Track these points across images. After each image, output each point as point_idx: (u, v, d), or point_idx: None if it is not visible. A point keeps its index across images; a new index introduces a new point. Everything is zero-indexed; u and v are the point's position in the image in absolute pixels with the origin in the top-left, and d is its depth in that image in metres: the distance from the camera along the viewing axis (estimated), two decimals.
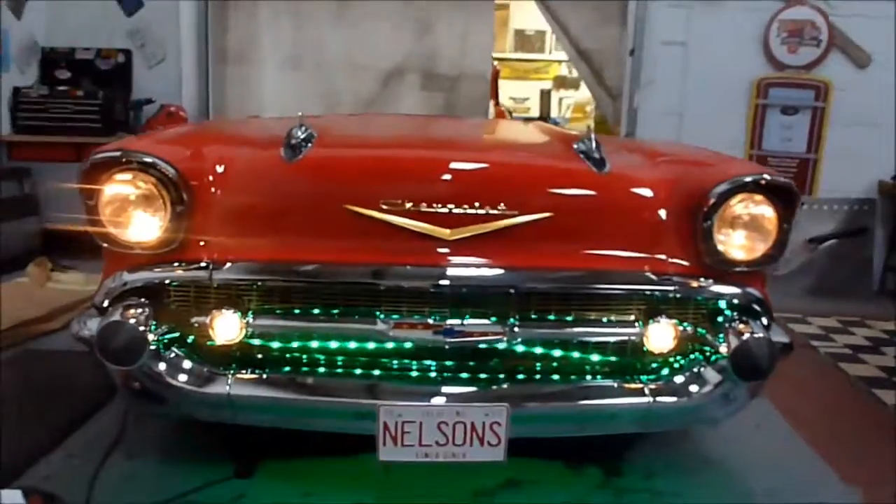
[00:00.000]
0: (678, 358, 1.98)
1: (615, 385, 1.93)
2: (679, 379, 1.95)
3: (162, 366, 1.84)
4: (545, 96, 8.97)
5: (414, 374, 1.92)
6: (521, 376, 1.93)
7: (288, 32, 5.38)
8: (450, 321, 1.85)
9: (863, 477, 2.25)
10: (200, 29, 5.23)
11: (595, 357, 1.96)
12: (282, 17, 5.37)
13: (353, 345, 1.90)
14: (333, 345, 1.90)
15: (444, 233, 1.84)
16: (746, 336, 1.83)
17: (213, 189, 1.89)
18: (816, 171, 4.97)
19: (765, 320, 1.94)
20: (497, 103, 6.68)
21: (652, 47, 4.96)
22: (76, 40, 5.08)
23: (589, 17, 5.25)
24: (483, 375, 1.91)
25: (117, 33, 5.10)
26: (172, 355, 1.86)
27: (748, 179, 1.89)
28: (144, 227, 1.84)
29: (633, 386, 1.93)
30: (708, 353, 1.95)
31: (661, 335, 1.92)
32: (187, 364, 1.86)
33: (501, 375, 1.91)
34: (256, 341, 1.89)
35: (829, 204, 4.96)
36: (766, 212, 1.91)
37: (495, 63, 6.50)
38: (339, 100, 5.35)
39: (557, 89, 9.10)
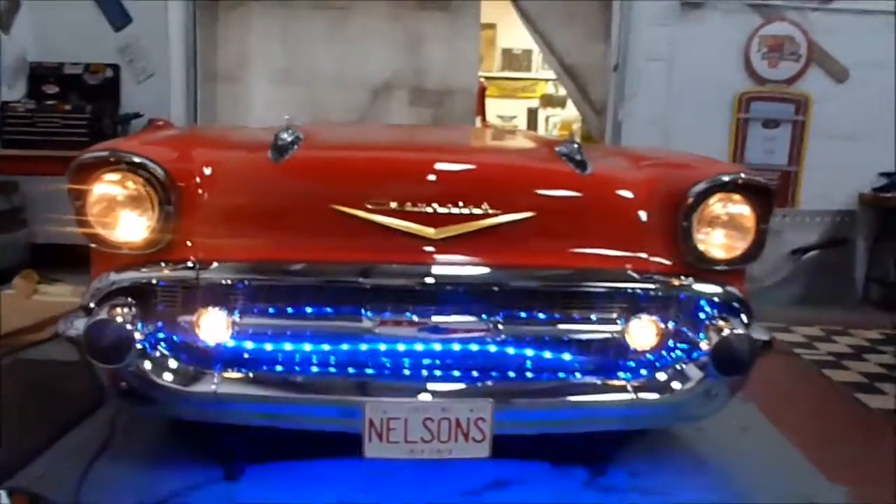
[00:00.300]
0: (660, 355, 2.00)
1: (598, 382, 1.95)
2: (661, 376, 1.97)
3: (148, 365, 1.84)
4: (532, 114, 9.09)
5: (399, 371, 1.93)
6: (505, 373, 1.95)
7: (277, 49, 5.42)
8: (434, 318, 1.87)
9: (847, 476, 2.28)
10: (189, 44, 5.25)
11: (578, 354, 1.99)
12: (271, 34, 5.41)
13: (339, 343, 1.92)
14: (319, 343, 1.92)
15: (429, 232, 1.87)
16: (727, 332, 1.86)
17: (200, 190, 1.92)
18: (798, 182, 5.05)
19: (745, 318, 1.98)
20: (484, 119, 6.74)
21: (636, 63, 5.04)
22: (64, 55, 5.10)
23: (574, 34, 5.34)
24: (468, 373, 1.93)
25: (106, 49, 5.12)
26: (159, 354, 1.87)
27: (726, 179, 1.93)
28: (132, 227, 1.86)
29: (615, 383, 1.95)
30: (689, 351, 1.98)
31: (642, 333, 1.95)
32: (174, 363, 1.87)
33: (486, 373, 1.93)
34: (243, 340, 1.90)
35: (812, 215, 5.02)
36: (743, 211, 1.95)
37: (482, 79, 6.57)
38: (328, 116, 5.39)
39: (544, 107, 9.19)
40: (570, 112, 7.42)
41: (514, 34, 8.40)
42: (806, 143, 5.00)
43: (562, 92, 8.16)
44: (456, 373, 1.93)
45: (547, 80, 9.00)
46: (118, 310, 1.78)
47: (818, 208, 5.04)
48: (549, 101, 9.12)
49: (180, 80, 5.24)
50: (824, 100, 4.96)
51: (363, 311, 1.88)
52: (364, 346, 1.92)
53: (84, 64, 5.09)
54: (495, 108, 8.68)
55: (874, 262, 5.03)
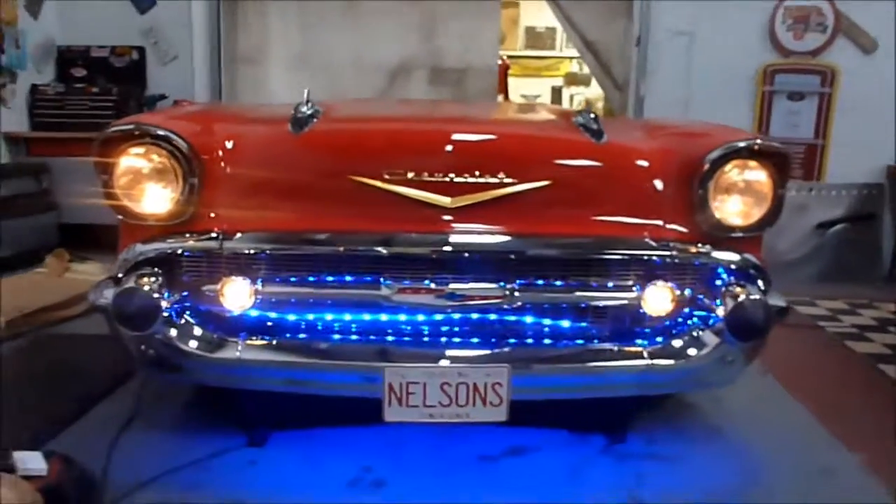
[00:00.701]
0: (677, 322, 2.02)
1: (614, 348, 1.98)
2: (677, 343, 1.99)
3: (174, 332, 1.91)
4: (556, 93, 9.04)
5: (418, 338, 1.97)
6: (522, 340, 1.98)
7: (296, 31, 5.45)
8: (452, 286, 1.90)
9: (865, 444, 2.28)
10: (212, 27, 5.31)
11: (594, 321, 2.01)
12: (290, 17, 5.45)
13: (358, 310, 1.96)
14: (340, 310, 1.96)
15: (445, 201, 1.89)
16: (742, 298, 1.87)
17: (222, 162, 1.96)
18: (824, 156, 4.97)
19: (761, 284, 1.98)
20: (507, 98, 6.73)
21: (658, 37, 4.99)
22: (91, 39, 5.18)
23: (596, 10, 5.30)
24: (485, 339, 1.96)
25: (131, 31, 5.20)
26: (184, 322, 1.93)
27: (741, 145, 1.93)
28: (157, 199, 1.91)
29: (631, 349, 1.97)
30: (706, 318, 1.99)
31: (659, 300, 1.96)
32: (199, 331, 1.93)
33: (503, 339, 1.97)
34: (265, 308, 1.95)
35: (837, 189, 4.95)
36: (760, 177, 1.95)
37: (504, 58, 6.55)
38: (347, 96, 5.42)
39: (568, 86, 9.13)
40: (595, 90, 7.38)
41: (537, 12, 8.36)
42: (832, 116, 4.92)
43: (586, 70, 8.10)
44: (474, 339, 1.97)
45: (571, 58, 8.94)
46: (145, 279, 1.84)
47: (844, 182, 4.96)
48: (573, 79, 9.06)
49: (203, 62, 5.31)
50: (852, 71, 4.87)
51: (382, 279, 1.91)
52: (383, 314, 1.96)
53: (110, 47, 5.18)
54: (519, 86, 8.65)
55: None
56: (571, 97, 8.91)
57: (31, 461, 1.76)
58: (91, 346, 3.02)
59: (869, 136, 4.88)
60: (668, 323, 2.02)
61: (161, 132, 1.87)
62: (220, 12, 5.33)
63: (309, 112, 2.11)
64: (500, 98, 6.23)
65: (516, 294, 1.92)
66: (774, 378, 2.84)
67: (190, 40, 5.21)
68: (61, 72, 5.19)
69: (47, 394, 2.53)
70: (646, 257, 1.95)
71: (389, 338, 1.97)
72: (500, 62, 5.85)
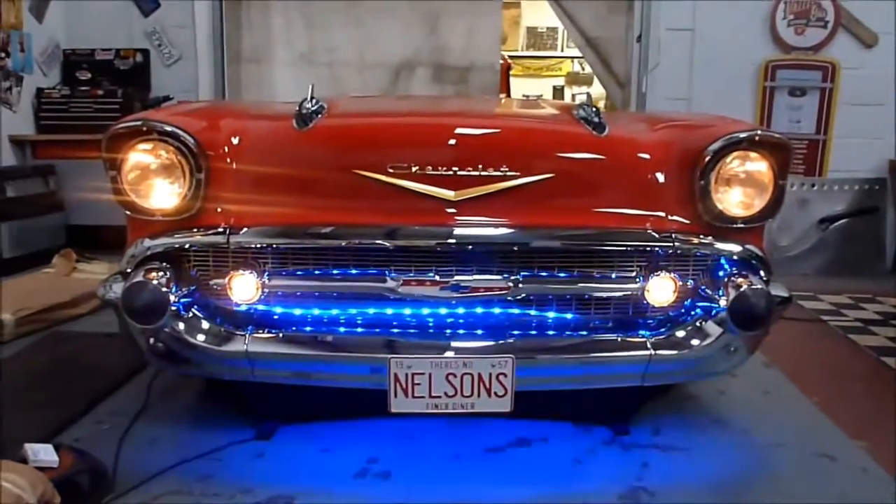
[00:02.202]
0: (679, 313, 2.04)
1: (618, 339, 1.99)
2: (680, 333, 2.01)
3: (182, 326, 1.93)
4: (558, 93, 9.06)
5: (424, 330, 1.99)
6: (526, 331, 2.00)
7: (300, 30, 5.49)
8: (456, 278, 1.92)
9: (867, 433, 2.30)
10: (215, 28, 5.35)
11: (598, 312, 2.03)
12: (294, 16, 5.48)
13: (364, 303, 1.99)
14: (345, 303, 1.99)
15: (449, 195, 1.91)
16: (744, 287, 1.88)
17: (229, 158, 1.99)
18: (826, 151, 4.98)
19: (763, 274, 2.00)
20: (508, 97, 6.74)
21: (659, 33, 5.01)
22: (96, 42, 5.22)
23: (597, 6, 5.33)
24: (490, 331, 1.98)
25: (135, 34, 5.24)
26: (192, 316, 1.95)
27: (742, 136, 1.94)
28: (164, 194, 1.94)
29: (634, 340, 1.99)
30: (708, 308, 2.00)
31: (662, 290, 1.98)
32: (206, 324, 1.96)
33: (507, 330, 1.98)
34: (272, 302, 1.98)
35: (840, 184, 4.96)
36: (761, 167, 1.96)
37: (506, 56, 6.57)
38: (351, 94, 5.44)
39: (570, 86, 9.16)
40: (597, 89, 7.40)
41: (538, 13, 8.39)
42: (834, 111, 4.93)
43: (587, 70, 8.12)
44: (478, 331, 1.98)
45: (573, 58, 8.96)
46: (153, 273, 1.86)
47: (847, 177, 4.98)
48: (574, 79, 9.10)
49: (207, 62, 5.34)
50: (853, 66, 4.89)
51: (387, 271, 1.93)
52: (389, 306, 1.98)
53: (115, 49, 5.21)
54: (520, 86, 8.67)
55: None
56: (573, 96, 8.93)
57: (43, 453, 1.79)
58: (99, 343, 3.05)
59: (870, 130, 4.91)
60: (671, 313, 2.04)
61: (168, 128, 1.90)
62: (223, 13, 5.36)
63: (314, 108, 2.14)
64: (503, 97, 6.25)
65: (520, 286, 1.94)
66: (779, 370, 2.85)
67: (193, 42, 5.25)
68: (66, 75, 5.24)
69: (57, 389, 2.56)
70: (648, 248, 1.97)
71: (395, 330, 1.99)
72: (501, 61, 5.88)
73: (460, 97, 4.45)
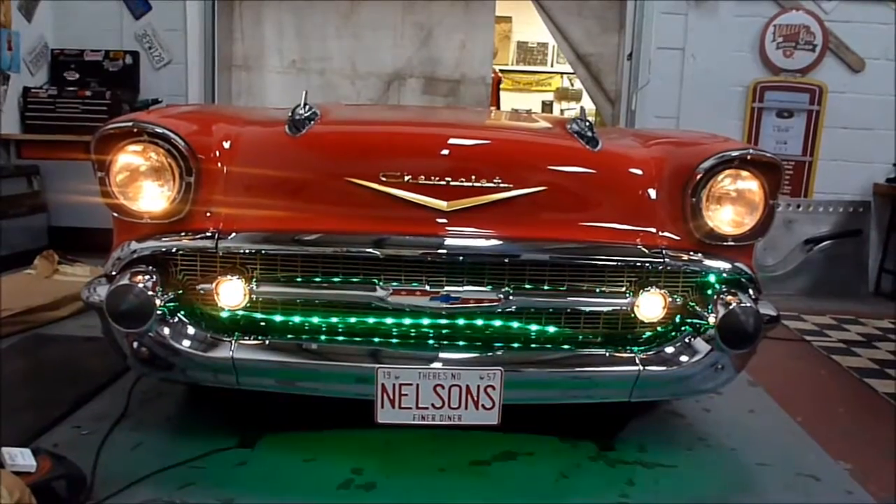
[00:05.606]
0: (668, 330, 2.04)
1: (606, 354, 1.98)
2: (669, 349, 2.00)
3: (167, 331, 1.90)
4: (547, 108, 9.11)
5: (412, 340, 1.97)
6: (515, 343, 1.99)
7: (292, 39, 5.49)
8: (446, 289, 1.91)
9: (851, 455, 2.31)
10: (206, 32, 5.33)
11: (587, 327, 2.02)
12: (286, 24, 5.48)
13: (353, 312, 1.97)
14: (334, 311, 1.97)
15: (441, 205, 1.90)
16: (733, 305, 1.88)
17: (220, 162, 1.97)
18: (812, 173, 5.04)
19: (752, 292, 2.00)
20: (499, 110, 6.76)
21: (650, 52, 5.05)
22: (85, 42, 5.18)
23: (588, 23, 5.37)
24: (478, 343, 1.97)
25: (125, 36, 5.21)
26: (178, 321, 1.92)
27: (734, 154, 1.95)
28: (153, 197, 1.91)
29: (623, 355, 1.98)
30: (697, 325, 2.00)
31: (651, 306, 1.98)
32: (192, 330, 1.92)
33: (496, 343, 1.97)
34: (259, 309, 1.95)
35: (825, 206, 5.02)
36: (752, 186, 1.97)
37: (497, 70, 6.60)
38: (341, 103, 5.44)
39: (559, 101, 9.22)
40: (586, 105, 7.45)
41: (529, 27, 8.44)
42: (820, 134, 4.99)
43: (577, 85, 8.17)
44: (467, 343, 1.97)
45: (562, 73, 9.03)
46: (139, 277, 1.83)
47: (832, 199, 5.03)
48: (564, 94, 9.16)
49: (197, 67, 5.33)
50: (839, 90, 4.95)
51: (377, 280, 1.92)
52: (377, 315, 1.97)
53: (104, 51, 5.18)
54: (510, 101, 8.72)
55: (887, 253, 5.02)
56: (562, 112, 8.98)
57: (21, 457, 1.76)
58: (79, 347, 3.01)
59: (856, 154, 4.97)
60: (659, 329, 2.04)
61: (159, 130, 1.87)
62: (214, 18, 5.35)
63: (307, 114, 2.12)
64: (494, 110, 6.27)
65: (510, 298, 1.93)
66: (764, 390, 2.86)
67: (184, 46, 5.23)
68: (54, 75, 5.19)
69: (36, 392, 2.51)
70: (638, 263, 1.97)
71: (383, 339, 1.97)
72: (493, 75, 5.90)
73: (454, 108, 4.46)
